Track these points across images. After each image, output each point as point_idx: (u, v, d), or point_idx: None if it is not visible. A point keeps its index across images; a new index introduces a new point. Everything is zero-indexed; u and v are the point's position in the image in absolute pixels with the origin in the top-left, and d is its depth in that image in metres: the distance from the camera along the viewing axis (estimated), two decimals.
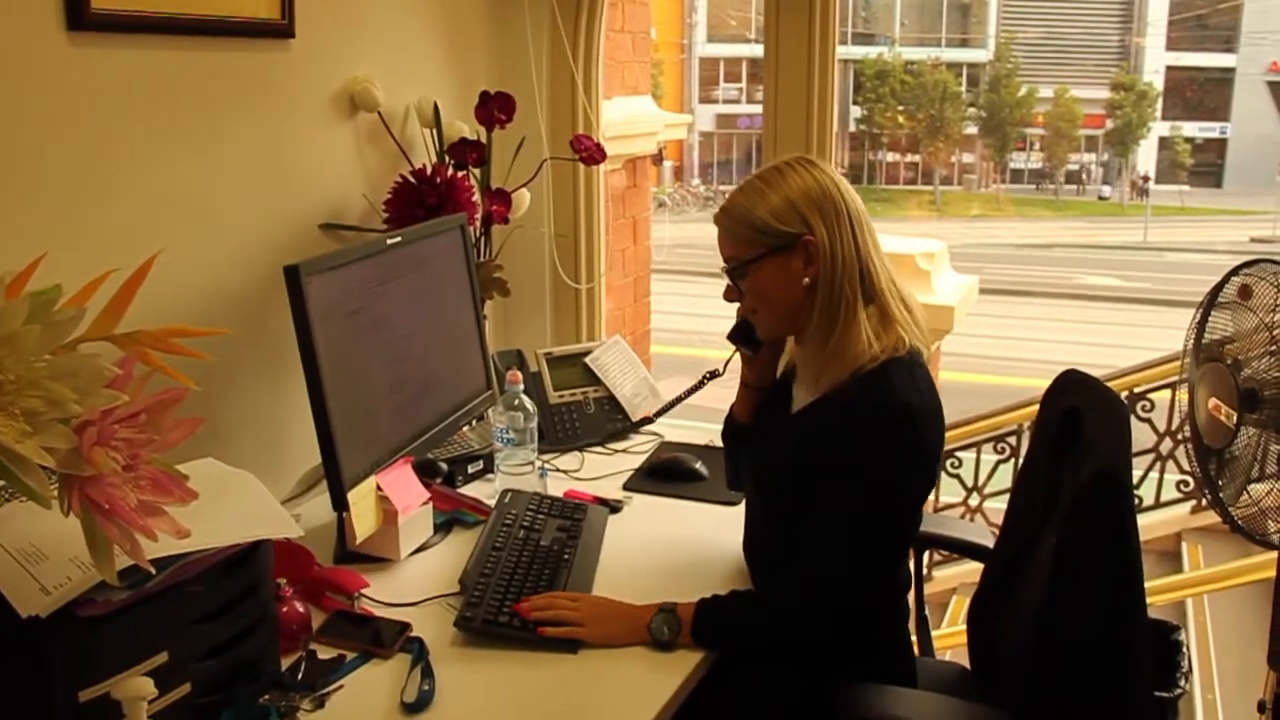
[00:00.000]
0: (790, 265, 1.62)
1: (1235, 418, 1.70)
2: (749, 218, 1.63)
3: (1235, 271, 1.79)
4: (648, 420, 2.46)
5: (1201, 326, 1.84)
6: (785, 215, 1.61)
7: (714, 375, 2.11)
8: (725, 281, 1.71)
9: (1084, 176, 32.51)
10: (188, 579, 1.25)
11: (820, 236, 1.60)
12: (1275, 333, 1.67)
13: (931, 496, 4.75)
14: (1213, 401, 1.75)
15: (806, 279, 1.61)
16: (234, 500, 1.41)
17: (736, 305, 1.74)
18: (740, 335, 1.79)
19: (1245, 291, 1.75)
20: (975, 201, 31.13)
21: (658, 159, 27.01)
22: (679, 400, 2.42)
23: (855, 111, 31.52)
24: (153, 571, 1.12)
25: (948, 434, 4.83)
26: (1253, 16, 30.03)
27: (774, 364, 1.83)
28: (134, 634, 1.20)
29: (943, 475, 4.74)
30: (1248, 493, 1.72)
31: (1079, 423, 1.60)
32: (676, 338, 11.92)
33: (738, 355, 1.84)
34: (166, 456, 1.19)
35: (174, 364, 1.21)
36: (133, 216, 1.77)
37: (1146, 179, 30.18)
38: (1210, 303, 1.84)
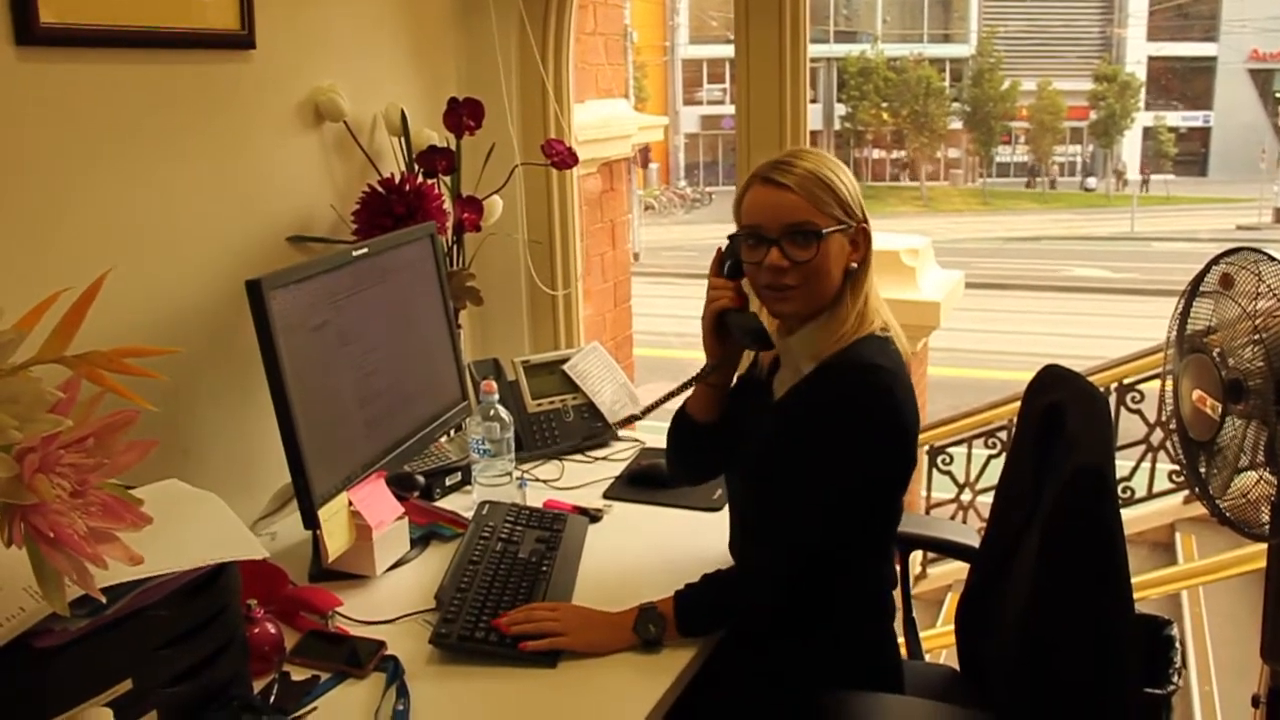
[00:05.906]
0: (846, 247, 1.62)
1: (1220, 409, 1.67)
2: (835, 188, 1.60)
3: (1216, 260, 1.77)
4: (635, 417, 2.37)
5: (1184, 317, 1.82)
6: (856, 199, 1.62)
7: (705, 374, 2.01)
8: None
9: (1081, 168, 32.58)
10: (150, 604, 1.22)
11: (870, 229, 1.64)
12: (1258, 322, 1.64)
13: (924, 493, 4.76)
14: (1197, 394, 1.73)
15: (853, 264, 1.63)
16: (197, 522, 1.38)
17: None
18: (756, 337, 1.67)
19: (1227, 280, 1.73)
20: (962, 196, 31.18)
21: (644, 161, 27.03)
22: (669, 397, 2.30)
23: (839, 109, 31.60)
24: (103, 600, 1.09)
25: (938, 430, 4.81)
26: (1231, 5, 30.19)
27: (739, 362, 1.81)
28: (95, 663, 1.17)
29: (934, 472, 4.74)
30: (1235, 484, 1.70)
31: (1061, 418, 1.58)
32: (661, 340, 11.92)
33: (723, 356, 1.77)
34: (128, 479, 1.16)
35: (134, 385, 1.17)
36: (87, 235, 1.74)
37: (1148, 170, 30.34)
38: (1192, 293, 1.81)
